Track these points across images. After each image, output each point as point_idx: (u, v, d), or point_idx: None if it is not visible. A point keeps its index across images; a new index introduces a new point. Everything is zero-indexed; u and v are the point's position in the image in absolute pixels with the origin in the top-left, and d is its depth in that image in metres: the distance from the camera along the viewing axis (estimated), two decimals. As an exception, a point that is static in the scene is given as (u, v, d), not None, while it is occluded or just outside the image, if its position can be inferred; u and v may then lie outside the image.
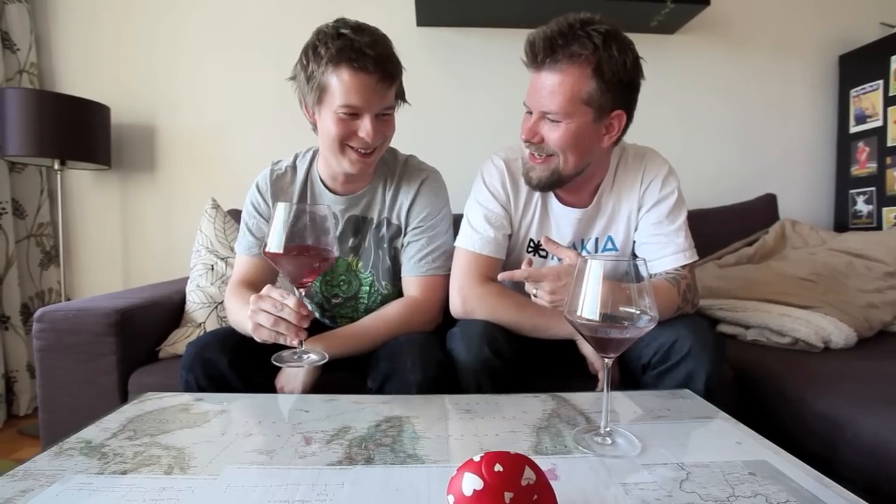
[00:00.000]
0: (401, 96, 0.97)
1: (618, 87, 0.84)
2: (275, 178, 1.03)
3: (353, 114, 0.87)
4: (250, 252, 1.01)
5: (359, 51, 0.83)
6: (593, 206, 0.99)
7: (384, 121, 0.91)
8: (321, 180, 1.03)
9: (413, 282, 1.01)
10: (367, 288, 1.05)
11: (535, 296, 0.81)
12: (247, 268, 1.01)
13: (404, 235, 1.04)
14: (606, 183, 0.98)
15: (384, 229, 1.04)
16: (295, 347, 0.75)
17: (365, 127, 0.87)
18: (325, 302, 1.07)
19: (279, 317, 0.73)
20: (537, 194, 1.00)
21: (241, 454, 0.56)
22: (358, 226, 1.04)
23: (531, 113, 0.88)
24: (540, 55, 0.82)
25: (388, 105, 0.91)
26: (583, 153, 0.88)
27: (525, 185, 0.99)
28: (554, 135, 0.85)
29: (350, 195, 1.03)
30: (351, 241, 1.04)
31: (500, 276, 0.84)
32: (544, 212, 1.01)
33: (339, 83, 0.85)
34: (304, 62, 0.88)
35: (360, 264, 1.05)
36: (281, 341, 0.75)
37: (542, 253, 1.02)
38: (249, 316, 0.75)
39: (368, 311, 1.05)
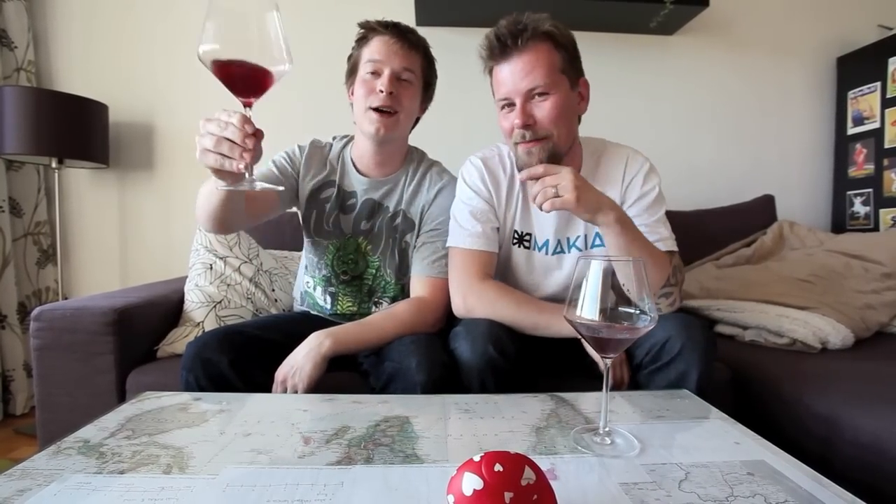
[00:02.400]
0: (427, 80, 1.06)
1: (576, 57, 0.93)
2: (314, 146, 1.11)
3: (374, 72, 0.97)
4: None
5: (384, 23, 0.99)
6: None
7: (403, 86, 0.98)
8: (352, 160, 1.09)
9: (424, 281, 1.02)
10: (374, 271, 1.09)
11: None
12: None
13: (417, 234, 1.06)
14: (588, 178, 0.98)
15: (399, 220, 1.07)
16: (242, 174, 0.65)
17: (383, 81, 0.96)
18: (333, 276, 1.10)
19: (223, 137, 0.64)
20: (518, 188, 1.02)
21: (239, 454, 0.56)
22: (373, 210, 1.08)
23: (512, 105, 0.91)
24: (509, 40, 0.87)
25: (408, 67, 0.98)
26: (570, 124, 0.94)
27: (504, 179, 1.02)
28: (545, 111, 0.89)
29: (373, 178, 1.07)
30: (364, 223, 1.08)
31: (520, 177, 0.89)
32: (526, 203, 1.02)
33: (367, 50, 0.99)
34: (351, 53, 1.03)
35: (370, 248, 1.08)
36: (227, 167, 0.65)
37: (526, 244, 1.03)
38: (198, 141, 0.66)
39: (371, 293, 1.09)
